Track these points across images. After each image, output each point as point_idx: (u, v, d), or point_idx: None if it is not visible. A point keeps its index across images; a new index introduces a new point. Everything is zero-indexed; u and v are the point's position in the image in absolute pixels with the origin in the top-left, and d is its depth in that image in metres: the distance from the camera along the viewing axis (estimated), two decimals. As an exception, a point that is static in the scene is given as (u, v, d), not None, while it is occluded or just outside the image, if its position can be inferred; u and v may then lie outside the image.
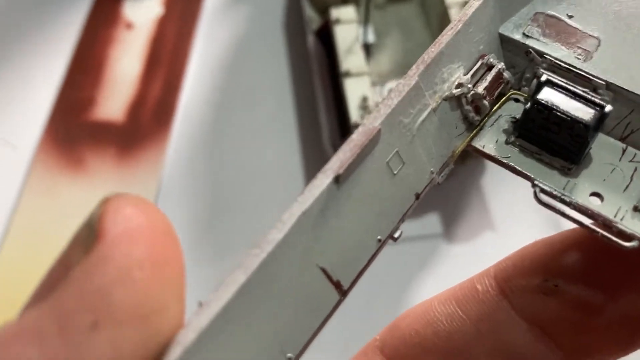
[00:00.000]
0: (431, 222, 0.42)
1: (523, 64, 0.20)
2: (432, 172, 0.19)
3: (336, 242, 0.16)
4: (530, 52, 0.20)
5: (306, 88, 0.46)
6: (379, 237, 0.17)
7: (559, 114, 0.18)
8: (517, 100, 0.20)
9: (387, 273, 0.42)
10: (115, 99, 0.47)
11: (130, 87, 0.48)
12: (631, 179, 0.18)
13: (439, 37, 0.19)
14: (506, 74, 0.20)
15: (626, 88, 0.19)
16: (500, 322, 0.20)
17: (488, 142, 0.19)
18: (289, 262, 0.15)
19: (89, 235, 0.13)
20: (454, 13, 0.39)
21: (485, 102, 0.19)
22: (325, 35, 0.40)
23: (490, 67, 0.20)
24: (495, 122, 0.20)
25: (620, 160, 0.19)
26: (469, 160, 0.40)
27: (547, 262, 0.20)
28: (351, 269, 0.17)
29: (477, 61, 0.20)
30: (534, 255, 0.20)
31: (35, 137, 0.46)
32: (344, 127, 0.38)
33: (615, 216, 0.17)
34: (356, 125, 0.35)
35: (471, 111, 0.19)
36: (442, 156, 0.19)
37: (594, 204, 0.18)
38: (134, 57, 0.49)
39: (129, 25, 0.51)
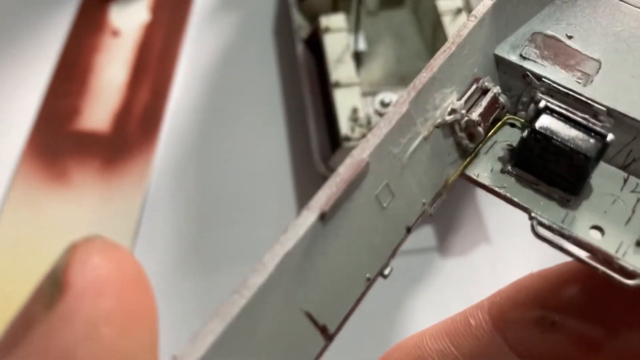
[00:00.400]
0: (425, 235, 0.41)
1: (520, 87, 0.19)
2: (423, 204, 0.17)
3: (322, 284, 0.15)
4: (528, 75, 0.19)
5: (297, 96, 0.45)
6: (367, 276, 0.16)
7: (558, 143, 0.17)
8: (512, 125, 0.19)
9: (379, 288, 0.40)
10: (100, 108, 0.46)
11: (116, 96, 0.47)
12: (633, 211, 0.17)
13: (431, 61, 0.18)
14: (502, 99, 0.19)
15: (629, 115, 0.18)
16: (494, 358, 0.19)
17: (482, 170, 0.18)
18: (271, 308, 0.14)
19: (53, 288, 0.12)
20: (447, 21, 0.38)
21: (480, 129, 0.18)
22: (315, 44, 0.39)
23: (485, 91, 0.19)
24: (490, 149, 0.19)
25: (621, 190, 0.18)
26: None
27: (544, 296, 0.19)
28: (338, 311, 0.16)
29: (472, 85, 0.18)
30: (529, 289, 0.19)
31: (17, 147, 0.44)
32: (334, 139, 0.36)
33: (616, 252, 0.16)
34: (346, 138, 0.34)
35: (465, 138, 0.18)
36: (434, 186, 0.18)
37: (594, 238, 0.17)
38: (120, 64, 0.48)
39: (115, 32, 0.50)
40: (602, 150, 0.17)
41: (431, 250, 0.41)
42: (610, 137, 0.17)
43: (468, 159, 0.18)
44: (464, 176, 0.18)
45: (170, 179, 0.43)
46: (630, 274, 0.16)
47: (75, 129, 0.45)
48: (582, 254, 0.16)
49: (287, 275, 0.14)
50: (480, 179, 0.18)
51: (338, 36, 0.37)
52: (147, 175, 0.43)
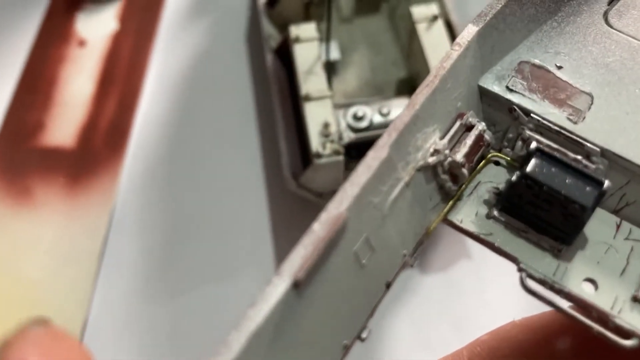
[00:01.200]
0: (403, 251, 0.40)
1: (505, 122, 0.18)
2: (404, 255, 0.16)
3: (295, 359, 0.13)
4: (515, 110, 0.17)
5: (269, 108, 0.43)
6: (344, 343, 0.15)
7: (551, 191, 0.16)
8: (497, 163, 0.18)
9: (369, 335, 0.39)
10: (65, 122, 0.44)
11: (81, 110, 0.45)
12: (627, 261, 0.16)
13: (413, 97, 0.16)
14: (487, 135, 0.17)
15: (624, 157, 0.16)
16: None
17: (466, 215, 0.17)
18: None
19: None
20: (421, 28, 0.36)
21: (464, 170, 0.17)
22: (286, 54, 0.37)
23: (469, 128, 0.17)
24: (474, 190, 0.17)
25: (614, 237, 0.16)
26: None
27: (528, 350, 0.17)
28: None
29: (455, 121, 0.17)
30: (512, 341, 0.17)
31: (-22, 165, 0.42)
32: (305, 155, 0.35)
33: (612, 308, 0.15)
34: (317, 155, 0.32)
35: (448, 180, 0.17)
36: (416, 235, 0.16)
37: (587, 292, 0.15)
38: (86, 76, 0.46)
39: (82, 42, 0.48)
40: (599, 198, 0.16)
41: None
42: (607, 184, 0.16)
43: (451, 203, 0.17)
44: (446, 222, 0.17)
45: (137, 196, 0.41)
46: (626, 334, 0.15)
47: (39, 144, 0.43)
48: (575, 311, 0.15)
49: (256, 355, 0.12)
50: (464, 225, 0.17)
51: (308, 46, 0.36)
52: (114, 192, 0.41)
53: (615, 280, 0.16)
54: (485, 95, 0.18)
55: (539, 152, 0.16)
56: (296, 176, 0.35)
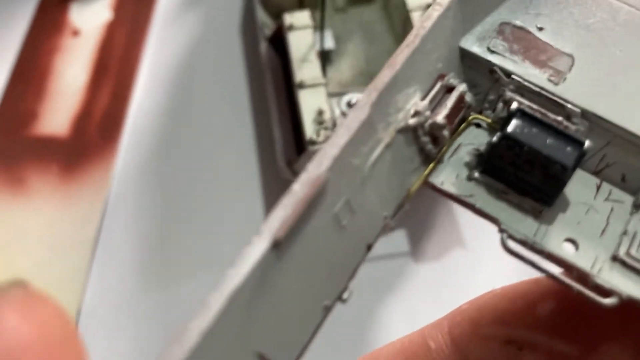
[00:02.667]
0: (398, 239, 0.40)
1: (486, 84, 0.18)
2: (385, 217, 0.16)
3: (275, 319, 0.13)
4: (496, 71, 0.17)
5: (263, 97, 0.43)
6: (325, 303, 0.15)
7: (533, 151, 0.16)
8: (478, 126, 0.18)
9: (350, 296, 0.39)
10: (59, 111, 0.44)
11: (75, 99, 0.45)
12: (607, 222, 0.16)
13: (393, 57, 0.16)
14: (468, 97, 0.17)
15: (604, 117, 0.16)
16: None
17: (447, 177, 0.17)
18: (218, 355, 0.12)
19: None
20: (416, 17, 0.36)
21: (445, 132, 0.17)
22: (280, 42, 0.38)
23: (450, 89, 0.17)
24: (454, 152, 0.17)
25: (594, 198, 0.17)
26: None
27: (509, 319, 0.17)
28: (293, 347, 0.14)
29: (436, 82, 0.17)
30: (493, 310, 0.18)
31: (-29, 154, 0.42)
32: (299, 142, 0.35)
33: (592, 267, 0.15)
34: (311, 142, 0.32)
35: (428, 143, 0.16)
36: (396, 197, 0.16)
37: (568, 252, 0.15)
38: (80, 66, 0.46)
39: (75, 32, 0.48)
40: (580, 158, 0.16)
41: (404, 255, 0.39)
42: (587, 144, 0.16)
43: (431, 165, 0.17)
44: (427, 184, 0.17)
45: (131, 185, 0.41)
46: (606, 292, 0.15)
47: (33, 133, 0.43)
48: (556, 270, 0.15)
49: (236, 315, 0.12)
50: (445, 187, 0.16)
51: (303, 34, 0.36)
52: (108, 181, 0.41)
53: (595, 240, 0.16)
54: (466, 56, 0.18)
55: (520, 113, 0.16)
56: (290, 163, 0.35)
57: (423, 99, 0.16)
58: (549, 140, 0.16)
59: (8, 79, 0.45)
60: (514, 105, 0.16)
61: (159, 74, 0.46)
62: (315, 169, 0.14)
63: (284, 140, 0.35)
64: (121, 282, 0.38)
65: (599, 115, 0.16)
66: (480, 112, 0.18)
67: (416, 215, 0.40)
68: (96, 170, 0.42)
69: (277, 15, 0.40)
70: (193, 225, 0.40)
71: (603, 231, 0.16)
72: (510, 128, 0.16)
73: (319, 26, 0.37)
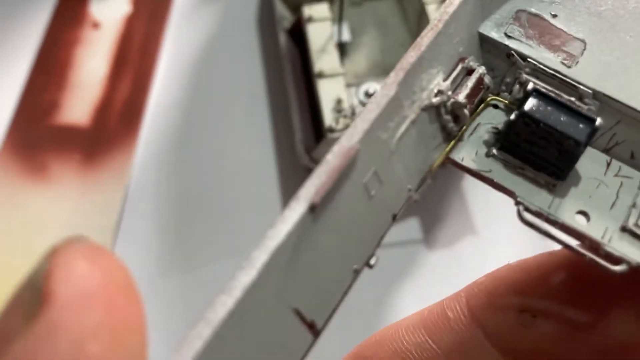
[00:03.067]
0: (410, 227, 0.41)
1: (503, 67, 0.19)
2: (409, 190, 0.17)
3: (310, 278, 0.15)
4: (512, 55, 0.18)
5: (281, 88, 0.44)
6: (355, 267, 0.16)
7: (547, 128, 0.17)
8: (495, 107, 0.19)
9: (364, 282, 0.40)
10: (80, 102, 0.45)
11: (96, 90, 0.46)
12: (617, 196, 0.17)
13: (419, 40, 0.17)
14: (486, 79, 0.19)
15: (614, 97, 0.17)
16: (473, 353, 0.19)
17: (467, 154, 0.18)
18: (259, 307, 0.13)
19: (33, 299, 0.11)
20: (431, 10, 0.37)
21: (466, 111, 0.18)
22: (298, 34, 0.39)
23: (470, 72, 0.18)
24: (474, 131, 0.18)
25: (605, 174, 0.18)
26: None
27: (524, 289, 0.18)
28: (326, 305, 0.15)
29: (457, 65, 0.18)
30: (508, 282, 0.19)
31: (-5, 142, 0.44)
32: (318, 131, 0.36)
33: (602, 237, 0.16)
34: (330, 130, 0.33)
35: (450, 121, 0.18)
36: (420, 171, 0.17)
37: (580, 223, 0.16)
38: (100, 57, 0.47)
39: (96, 25, 0.49)
40: (592, 135, 0.17)
41: (417, 242, 0.40)
42: (598, 121, 0.17)
43: (453, 142, 0.18)
44: (448, 160, 0.18)
45: (151, 173, 0.42)
46: (616, 260, 0.16)
47: (55, 123, 0.44)
48: (569, 241, 0.16)
49: (276, 271, 0.13)
50: (465, 163, 0.18)
51: (321, 26, 0.37)
52: (128, 169, 0.42)
53: (605, 212, 0.17)
54: (484, 41, 0.19)
55: (536, 92, 0.17)
56: (309, 151, 0.36)
57: (445, 79, 0.18)
58: (563, 118, 0.17)
59: (31, 70, 0.47)
60: (530, 85, 0.18)
61: (178, 65, 0.47)
62: (347, 141, 0.15)
63: (303, 128, 0.36)
64: (141, 266, 0.39)
65: (609, 95, 0.17)
66: (497, 94, 0.19)
67: (429, 204, 0.41)
68: (117, 159, 0.43)
69: (295, 8, 0.41)
70: (211, 212, 0.41)
71: (613, 204, 0.17)
72: (527, 106, 0.17)
73: (337, 19, 0.38)
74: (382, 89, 0.16)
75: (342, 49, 0.40)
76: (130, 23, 0.49)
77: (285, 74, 0.39)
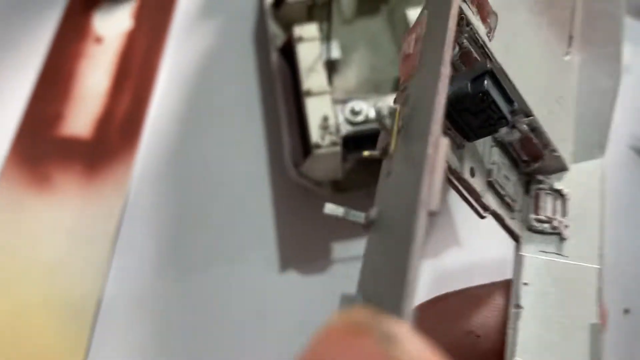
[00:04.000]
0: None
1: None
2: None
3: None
4: (463, 19, 0.20)
5: (274, 104, 0.46)
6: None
7: (494, 106, 0.19)
8: None
9: (352, 289, 0.41)
10: (82, 114, 0.47)
11: (98, 102, 0.48)
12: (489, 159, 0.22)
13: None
14: None
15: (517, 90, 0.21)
16: None
17: None
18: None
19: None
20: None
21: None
22: (290, 52, 0.40)
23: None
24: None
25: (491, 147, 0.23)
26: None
27: (468, 314, 0.21)
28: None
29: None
30: (454, 307, 0.21)
31: (1, 152, 0.45)
32: (306, 146, 0.37)
33: (481, 191, 0.21)
34: (317, 146, 0.35)
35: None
36: None
37: (469, 178, 0.21)
38: (102, 71, 0.49)
39: (98, 39, 0.51)
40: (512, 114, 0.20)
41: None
42: (515, 105, 0.20)
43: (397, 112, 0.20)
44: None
45: (150, 184, 0.44)
46: (485, 208, 0.21)
47: (58, 134, 0.46)
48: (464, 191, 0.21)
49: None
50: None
51: (310, 45, 0.38)
52: (128, 180, 0.44)
53: (483, 170, 0.21)
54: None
55: (490, 74, 0.19)
56: (297, 165, 0.37)
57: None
58: (503, 99, 0.19)
59: (35, 82, 0.48)
60: (489, 65, 0.20)
61: (177, 80, 0.48)
62: (436, 132, 0.17)
63: (291, 143, 0.38)
64: (140, 273, 0.41)
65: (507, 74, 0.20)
66: None
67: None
68: (117, 170, 0.44)
69: (287, 26, 0.42)
70: (207, 221, 0.42)
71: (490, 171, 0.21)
72: (487, 86, 0.19)
73: (326, 37, 0.40)
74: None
75: (332, 65, 0.42)
76: (132, 38, 0.51)
77: (276, 91, 0.40)
